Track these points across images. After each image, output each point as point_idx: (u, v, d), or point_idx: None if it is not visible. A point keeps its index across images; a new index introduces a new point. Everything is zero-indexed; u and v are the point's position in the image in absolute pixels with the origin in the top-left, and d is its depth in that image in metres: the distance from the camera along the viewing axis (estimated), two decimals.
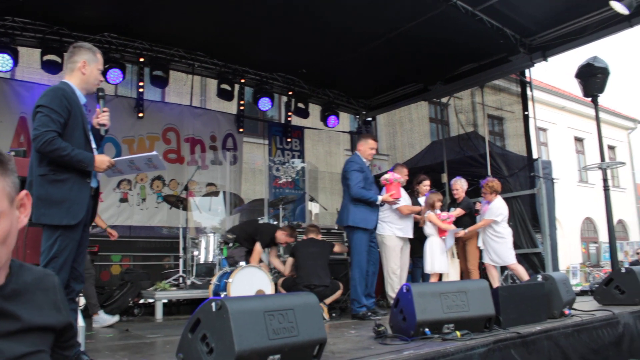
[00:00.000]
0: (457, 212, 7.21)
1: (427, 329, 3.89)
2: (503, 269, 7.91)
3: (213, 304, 2.89)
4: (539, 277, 5.10)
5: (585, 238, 22.57)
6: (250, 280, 5.96)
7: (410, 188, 7.41)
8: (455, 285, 4.37)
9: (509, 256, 7.07)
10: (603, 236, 21.33)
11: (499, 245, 7.06)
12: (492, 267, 7.26)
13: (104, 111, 3.49)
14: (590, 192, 21.84)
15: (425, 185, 7.40)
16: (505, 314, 4.35)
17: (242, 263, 6.11)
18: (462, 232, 7.11)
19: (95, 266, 9.12)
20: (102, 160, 3.25)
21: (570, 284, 5.51)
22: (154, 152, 3.53)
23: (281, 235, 6.76)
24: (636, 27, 7.73)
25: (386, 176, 6.39)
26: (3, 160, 1.21)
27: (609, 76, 8.25)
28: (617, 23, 7.74)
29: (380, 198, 5.95)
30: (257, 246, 6.69)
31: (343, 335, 4.63)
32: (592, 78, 8.17)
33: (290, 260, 6.56)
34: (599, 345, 4.70)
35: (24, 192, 1.27)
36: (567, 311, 4.95)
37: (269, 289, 5.96)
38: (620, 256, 20.61)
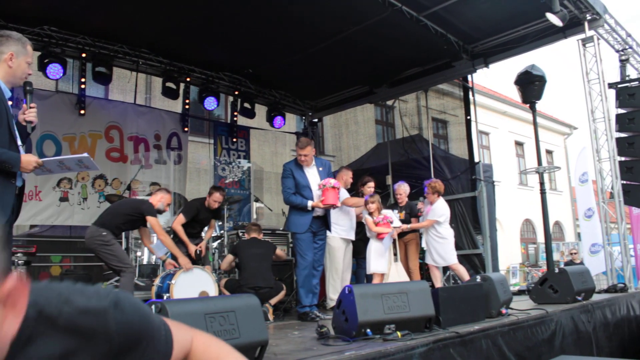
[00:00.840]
0: (400, 226, 7.32)
1: (368, 330, 3.94)
2: (445, 269, 8.10)
3: (153, 307, 2.86)
4: (478, 278, 5.25)
5: (525, 239, 23.35)
6: (194, 282, 5.86)
7: (355, 189, 7.48)
8: (397, 286, 4.44)
9: (450, 257, 7.25)
10: (541, 237, 22.11)
11: (441, 245, 7.24)
12: (435, 267, 7.43)
13: (31, 107, 3.26)
14: (529, 194, 22.60)
15: (370, 187, 7.48)
16: (445, 314, 4.46)
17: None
18: (404, 226, 7.30)
19: (34, 267, 8.87)
20: (28, 160, 3.07)
21: (507, 284, 5.70)
22: (85, 154, 3.39)
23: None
24: (570, 38, 8.10)
25: (321, 182, 6.37)
26: None
27: (545, 84, 8.54)
28: (553, 34, 8.11)
29: (310, 203, 5.95)
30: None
31: (286, 336, 4.64)
32: (530, 85, 8.43)
33: (230, 257, 6.50)
34: (533, 342, 4.88)
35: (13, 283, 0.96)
36: (504, 310, 5.11)
37: (213, 291, 5.89)
38: (557, 256, 21.38)
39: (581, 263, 11.95)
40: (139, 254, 7.80)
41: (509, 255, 20.55)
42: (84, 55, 8.54)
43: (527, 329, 4.89)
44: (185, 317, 2.84)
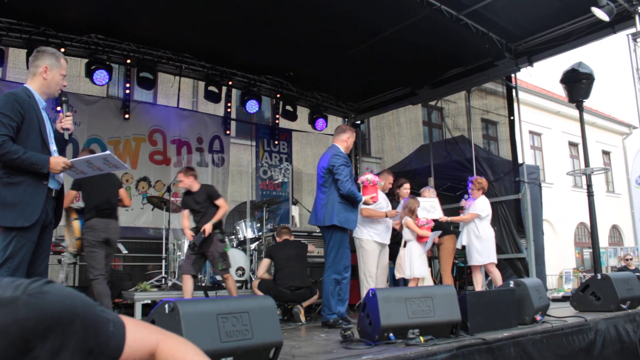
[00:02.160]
0: (440, 217, 7.23)
1: (391, 334, 3.89)
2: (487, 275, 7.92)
3: (166, 306, 2.90)
4: (511, 283, 5.10)
5: (579, 243, 22.55)
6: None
7: (392, 192, 7.40)
8: (421, 290, 4.37)
9: (489, 256, 7.10)
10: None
11: (480, 243, 7.10)
12: (478, 271, 7.27)
13: (67, 116, 3.51)
14: (584, 197, 21.79)
15: (406, 188, 7.39)
16: (473, 319, 4.34)
17: None
18: (444, 218, 7.22)
19: (85, 266, 9.18)
20: (56, 162, 3.26)
21: (544, 290, 5.51)
22: (107, 152, 3.54)
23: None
24: (620, 33, 7.76)
25: (368, 177, 6.25)
26: None
27: (594, 81, 8.25)
28: (601, 29, 7.80)
29: (364, 198, 5.76)
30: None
31: (312, 339, 4.64)
32: (577, 83, 8.16)
33: (266, 261, 6.55)
34: (569, 351, 4.70)
35: None
36: (538, 317, 4.94)
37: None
38: (614, 261, 20.60)
39: (636, 270, 11.41)
40: (179, 254, 7.95)
41: (562, 260, 19.89)
42: (128, 61, 8.79)
43: (562, 337, 4.71)
44: (198, 317, 2.87)
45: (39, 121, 3.30)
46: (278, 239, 6.80)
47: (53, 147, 3.42)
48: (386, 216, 6.41)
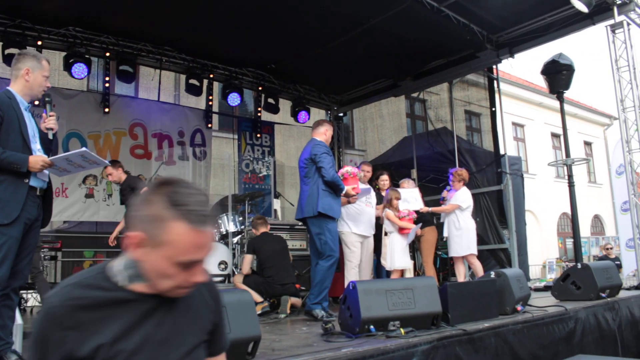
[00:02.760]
0: (421, 208, 7.25)
1: (372, 326, 3.89)
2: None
3: None
4: (492, 274, 5.12)
5: (562, 233, 22.77)
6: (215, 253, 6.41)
7: (370, 183, 7.39)
8: (402, 282, 4.37)
9: (469, 247, 7.12)
10: (580, 231, 21.58)
11: (461, 233, 7.13)
12: (460, 262, 7.29)
13: (50, 115, 3.55)
14: (566, 187, 21.98)
15: (383, 180, 7.38)
16: (454, 310, 4.36)
17: None
18: (424, 208, 7.26)
19: (67, 262, 9.12)
20: (35, 160, 3.30)
21: (525, 280, 5.54)
22: (84, 148, 3.57)
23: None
24: (599, 25, 7.82)
25: (347, 169, 6.27)
26: None
27: (574, 73, 8.29)
28: (580, 20, 7.87)
29: (346, 188, 5.75)
30: None
31: (293, 332, 4.62)
32: (558, 75, 8.20)
33: (249, 257, 6.47)
34: (549, 340, 4.74)
35: None
36: (519, 307, 4.97)
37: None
38: (596, 251, 20.85)
39: (616, 259, 11.55)
40: None
41: (546, 250, 20.09)
42: (108, 54, 8.66)
43: (543, 326, 4.75)
44: None
45: (19, 121, 3.34)
46: (255, 232, 6.73)
47: (37, 146, 3.46)
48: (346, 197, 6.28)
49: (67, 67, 8.16)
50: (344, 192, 5.73)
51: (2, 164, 3.20)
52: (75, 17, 7.99)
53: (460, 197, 7.25)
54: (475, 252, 7.18)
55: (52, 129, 3.55)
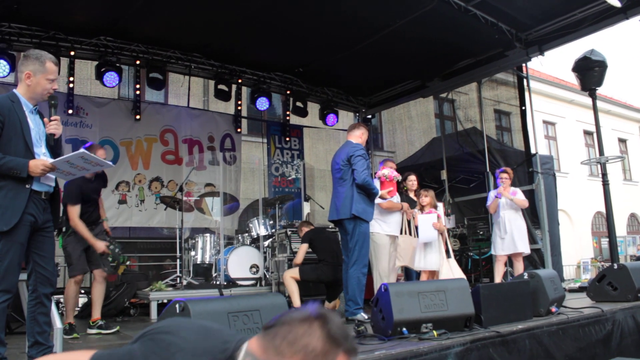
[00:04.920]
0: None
1: (404, 329, 3.88)
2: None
3: (177, 305, 2.91)
4: (525, 275, 5.05)
5: (597, 232, 22.30)
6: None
7: (398, 184, 7.35)
8: (434, 284, 4.35)
9: (527, 245, 7.13)
10: (616, 230, 21.10)
11: (524, 230, 7.19)
12: (502, 261, 7.23)
13: (51, 120, 3.44)
14: (600, 186, 21.52)
15: (410, 180, 7.30)
16: (486, 312, 4.32)
17: None
18: (508, 196, 7.23)
19: None
20: (35, 164, 3.23)
21: (559, 281, 5.46)
22: (82, 150, 3.44)
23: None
24: (633, 19, 7.64)
25: (385, 172, 6.22)
26: None
27: (606, 69, 8.17)
28: (613, 15, 7.68)
29: (379, 194, 5.79)
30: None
31: None
32: (590, 71, 8.09)
33: (305, 246, 6.45)
34: (586, 343, 4.65)
35: None
36: (554, 309, 4.90)
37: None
38: (633, 250, 20.38)
39: None
40: (192, 253, 7.99)
41: (580, 250, 19.68)
42: (138, 62, 8.83)
43: (579, 328, 4.67)
44: (208, 316, 2.87)
45: (22, 125, 3.28)
46: (302, 231, 6.81)
47: (41, 150, 3.41)
48: (401, 209, 6.41)
49: (99, 75, 8.33)
50: (378, 195, 5.76)
51: (1, 170, 3.15)
52: (106, 27, 8.16)
53: (523, 195, 7.27)
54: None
55: (53, 135, 3.45)
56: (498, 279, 7.15)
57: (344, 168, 5.61)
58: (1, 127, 3.22)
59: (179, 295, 7.14)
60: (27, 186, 3.26)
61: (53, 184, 3.49)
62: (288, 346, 1.36)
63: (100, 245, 5.32)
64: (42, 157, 3.36)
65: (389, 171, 6.24)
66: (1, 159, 3.15)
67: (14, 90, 3.40)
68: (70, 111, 8.52)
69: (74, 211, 5.27)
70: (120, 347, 1.35)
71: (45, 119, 3.48)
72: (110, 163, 3.98)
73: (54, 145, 3.48)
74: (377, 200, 6.02)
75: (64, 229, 5.42)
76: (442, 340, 3.68)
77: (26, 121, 3.32)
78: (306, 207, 9.73)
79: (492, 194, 7.50)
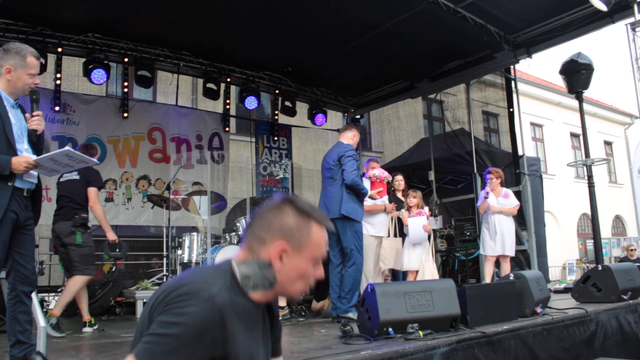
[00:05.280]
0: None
1: (390, 329, 3.89)
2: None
3: None
4: (511, 276, 5.09)
5: (582, 234, 22.49)
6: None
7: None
8: (420, 284, 4.36)
9: (514, 247, 7.22)
10: (601, 232, 21.26)
11: (512, 232, 7.25)
12: (491, 261, 7.27)
13: (33, 115, 3.39)
14: (586, 188, 21.69)
15: (397, 180, 7.35)
16: (472, 313, 4.34)
17: None
18: (496, 209, 7.24)
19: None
20: (18, 162, 3.18)
21: (544, 282, 5.50)
22: (67, 147, 3.41)
23: None
24: (619, 23, 7.73)
25: (375, 172, 6.29)
26: None
27: (593, 72, 8.19)
28: (600, 19, 7.77)
29: (368, 194, 5.83)
30: None
31: (312, 335, 4.64)
32: (576, 74, 8.10)
33: None
34: (570, 343, 4.69)
35: None
36: (539, 310, 4.93)
37: None
38: (617, 252, 20.54)
39: (638, 260, 11.38)
40: (179, 252, 7.96)
41: (566, 251, 19.85)
42: (126, 59, 8.78)
43: (563, 329, 4.71)
44: None
45: (3, 121, 3.22)
46: None
47: (23, 147, 3.34)
48: (385, 210, 6.41)
49: (87, 73, 8.27)
50: (367, 195, 5.81)
51: None
52: (95, 24, 8.09)
53: (514, 196, 7.30)
54: None
55: (35, 131, 3.39)
56: (488, 278, 7.19)
57: (334, 168, 5.65)
58: None
59: None
60: (9, 183, 3.20)
61: (35, 181, 3.42)
62: (266, 231, 1.54)
63: (113, 233, 5.72)
64: (24, 154, 3.30)
65: (379, 171, 6.29)
66: None
67: None
68: (57, 108, 8.43)
69: (97, 195, 5.53)
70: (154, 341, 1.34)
71: (27, 115, 3.42)
72: (95, 160, 3.93)
73: (36, 142, 3.43)
74: (368, 202, 6.05)
75: (86, 225, 5.56)
76: (428, 341, 3.69)
77: (7, 117, 3.24)
78: None
79: (482, 194, 7.55)
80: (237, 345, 1.42)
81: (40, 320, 3.62)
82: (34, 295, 3.49)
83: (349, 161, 5.56)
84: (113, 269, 8.12)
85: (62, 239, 5.45)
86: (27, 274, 3.34)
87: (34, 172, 3.37)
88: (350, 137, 5.88)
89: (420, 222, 6.44)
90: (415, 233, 6.38)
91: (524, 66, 9.38)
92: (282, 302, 5.99)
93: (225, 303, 1.40)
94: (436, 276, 6.52)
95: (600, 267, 6.00)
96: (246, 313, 1.49)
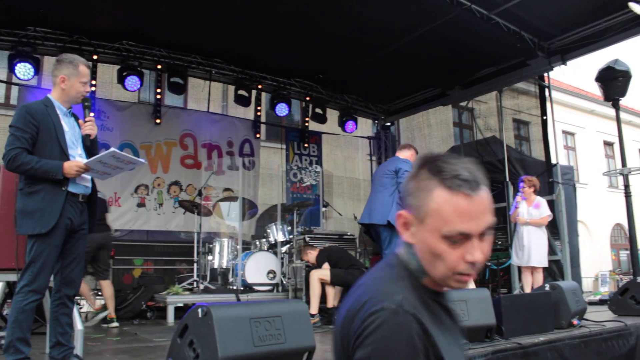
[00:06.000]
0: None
1: None
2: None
3: (199, 310, 2.91)
4: (547, 287, 4.99)
5: (615, 245, 22.02)
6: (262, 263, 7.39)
7: None
8: (456, 294, 4.30)
9: (544, 258, 7.14)
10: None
11: (544, 243, 7.15)
12: (528, 271, 7.17)
13: (86, 121, 3.50)
14: (620, 197, 21.19)
15: None
16: (507, 323, 4.27)
17: None
18: (523, 220, 7.21)
19: (118, 269, 9.34)
20: (70, 166, 3.29)
21: (580, 293, 5.38)
22: (112, 149, 3.46)
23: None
24: None
25: None
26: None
27: (630, 79, 8.05)
28: (637, 25, 7.56)
29: None
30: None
31: None
32: (613, 81, 7.97)
33: (327, 266, 6.49)
34: (608, 357, 4.58)
35: None
36: (575, 321, 4.83)
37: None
38: None
39: None
40: (210, 257, 8.01)
41: (598, 262, 19.44)
42: (159, 66, 8.90)
43: (602, 342, 4.60)
44: (231, 321, 2.87)
45: (56, 129, 3.35)
46: (307, 255, 6.83)
47: (77, 152, 3.46)
48: None
49: (121, 79, 8.42)
50: None
51: (37, 173, 3.22)
52: (129, 31, 8.25)
53: (547, 206, 7.19)
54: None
55: (89, 136, 3.49)
56: (527, 288, 7.08)
57: (388, 176, 5.76)
58: (36, 132, 3.29)
59: (196, 300, 7.14)
60: (63, 188, 3.31)
61: (89, 185, 3.53)
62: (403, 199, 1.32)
63: None
64: (77, 159, 3.40)
65: None
66: (37, 163, 3.21)
67: (48, 94, 3.47)
68: (92, 114, 8.57)
69: None
70: None
71: (80, 121, 3.54)
72: (143, 160, 3.99)
73: (90, 146, 3.53)
74: None
75: None
76: (464, 351, 3.63)
77: (60, 125, 3.38)
78: (326, 214, 9.74)
79: (514, 203, 7.49)
80: (440, 346, 1.19)
81: (78, 324, 3.67)
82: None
83: (407, 175, 5.62)
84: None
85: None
86: (74, 277, 3.42)
87: (87, 177, 3.47)
88: (409, 155, 6.01)
89: None
90: None
91: (558, 73, 9.20)
92: (313, 310, 5.99)
93: (414, 305, 1.18)
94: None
95: (639, 279, 5.85)
96: (432, 307, 1.26)
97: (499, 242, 9.46)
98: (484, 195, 1.22)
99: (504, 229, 9.39)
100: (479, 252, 1.21)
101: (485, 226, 1.21)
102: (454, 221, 1.20)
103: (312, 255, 6.69)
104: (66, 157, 3.35)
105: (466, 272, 1.22)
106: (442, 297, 1.33)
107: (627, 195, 7.88)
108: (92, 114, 3.60)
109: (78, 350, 3.57)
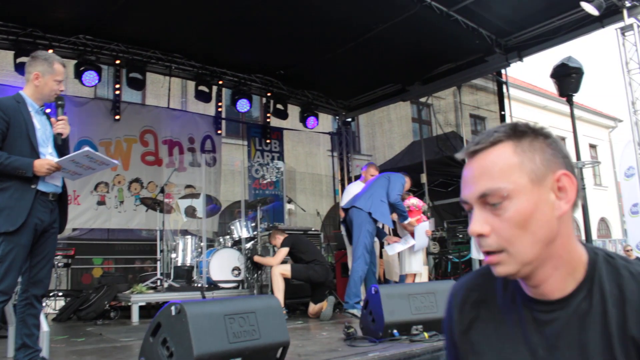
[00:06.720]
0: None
1: (395, 331, 3.90)
2: None
3: (172, 308, 2.88)
4: None
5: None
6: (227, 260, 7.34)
7: None
8: (424, 286, 4.38)
9: None
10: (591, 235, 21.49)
11: None
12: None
13: (59, 120, 3.43)
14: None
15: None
16: None
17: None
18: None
19: (77, 269, 9.12)
20: (40, 164, 3.20)
21: None
22: (87, 148, 3.40)
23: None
24: (608, 28, 7.84)
25: (413, 201, 6.84)
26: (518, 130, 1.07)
27: (583, 76, 8.29)
28: (589, 23, 7.85)
29: (408, 220, 6.44)
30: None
31: (314, 337, 4.63)
32: (567, 78, 8.19)
33: (285, 250, 6.46)
34: None
35: (560, 172, 1.03)
36: None
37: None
38: None
39: (637, 260, 11.49)
40: (173, 255, 7.91)
41: None
42: (118, 61, 8.72)
43: None
44: (205, 318, 2.85)
45: (27, 126, 3.27)
46: (276, 240, 6.77)
47: (47, 150, 3.37)
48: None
49: (78, 75, 8.20)
50: (407, 221, 6.41)
51: (6, 170, 3.12)
52: (86, 25, 8.03)
53: None
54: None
55: (60, 134, 3.43)
56: None
57: (383, 179, 6.27)
58: (6, 128, 3.19)
59: (161, 298, 7.05)
60: (32, 186, 3.22)
61: (60, 184, 3.44)
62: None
63: None
64: (47, 157, 3.32)
65: (416, 201, 6.85)
66: (6, 159, 3.12)
67: (20, 91, 3.38)
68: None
69: None
70: None
71: (53, 119, 3.46)
72: (116, 161, 3.92)
73: (61, 145, 3.45)
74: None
75: None
76: (433, 342, 3.72)
77: (31, 122, 3.30)
78: (288, 208, 9.74)
79: None
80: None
81: (44, 325, 3.58)
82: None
83: (398, 185, 6.13)
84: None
85: None
86: (42, 277, 3.33)
87: (58, 176, 3.38)
88: (404, 185, 6.46)
89: (424, 227, 6.64)
90: (422, 239, 6.59)
91: (515, 70, 9.45)
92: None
93: None
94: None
95: None
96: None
97: (460, 236, 9.66)
98: (485, 157, 1.07)
99: (464, 222, 9.59)
100: (473, 222, 1.06)
101: (481, 191, 1.04)
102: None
103: (279, 239, 6.69)
104: (36, 154, 3.26)
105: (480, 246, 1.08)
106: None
107: (582, 188, 8.13)
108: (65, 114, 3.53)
109: (45, 352, 3.47)
